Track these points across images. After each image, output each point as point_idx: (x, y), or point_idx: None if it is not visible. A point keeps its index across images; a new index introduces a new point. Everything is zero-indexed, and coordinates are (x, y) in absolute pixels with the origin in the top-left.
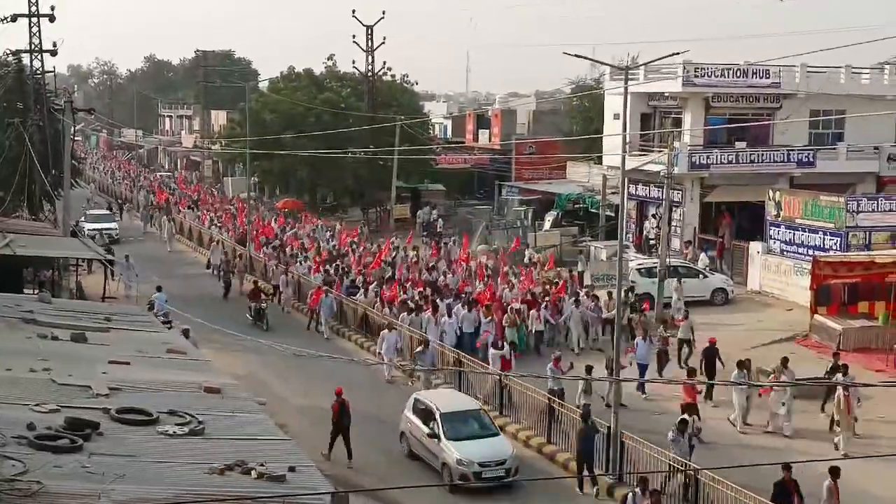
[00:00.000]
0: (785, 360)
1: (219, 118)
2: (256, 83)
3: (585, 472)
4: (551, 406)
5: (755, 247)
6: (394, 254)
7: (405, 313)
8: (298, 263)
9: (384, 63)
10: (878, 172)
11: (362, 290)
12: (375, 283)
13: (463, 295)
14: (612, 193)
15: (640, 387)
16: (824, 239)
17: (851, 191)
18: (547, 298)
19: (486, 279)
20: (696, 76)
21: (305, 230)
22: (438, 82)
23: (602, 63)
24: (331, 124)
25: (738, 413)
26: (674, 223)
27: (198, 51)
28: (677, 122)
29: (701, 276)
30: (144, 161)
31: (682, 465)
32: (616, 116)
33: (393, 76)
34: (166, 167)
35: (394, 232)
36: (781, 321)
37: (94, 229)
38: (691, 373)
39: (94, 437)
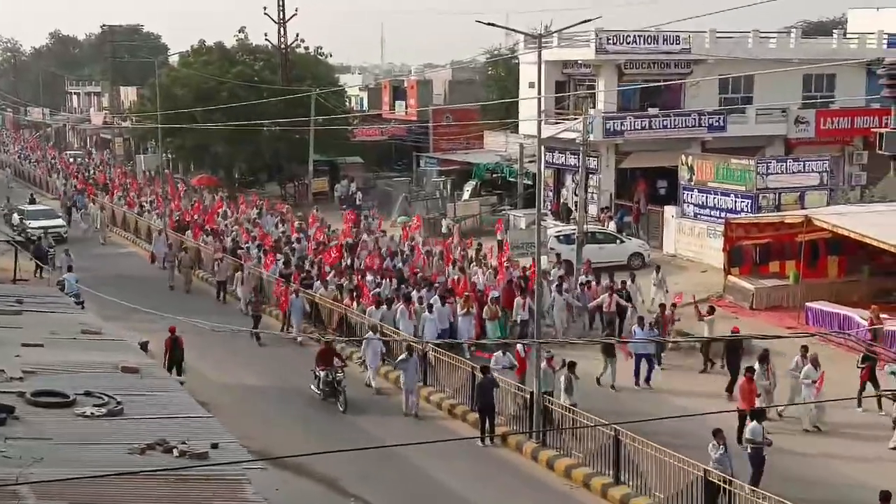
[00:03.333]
0: (805, 349)
1: (128, 94)
2: (166, 58)
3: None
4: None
5: (670, 211)
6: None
7: (373, 307)
8: (247, 255)
9: (297, 35)
10: (786, 135)
11: (319, 282)
12: (333, 273)
13: (436, 285)
14: (530, 162)
15: (639, 377)
16: (736, 201)
17: (761, 154)
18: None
19: (453, 264)
20: (608, 43)
21: (246, 214)
22: (353, 54)
23: (516, 31)
24: (244, 98)
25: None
26: (590, 190)
27: (104, 26)
28: (591, 90)
29: (618, 241)
30: (52, 140)
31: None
32: (531, 85)
33: (306, 48)
34: (76, 146)
35: (312, 206)
36: (696, 283)
37: (39, 228)
38: (749, 371)
39: (10, 422)
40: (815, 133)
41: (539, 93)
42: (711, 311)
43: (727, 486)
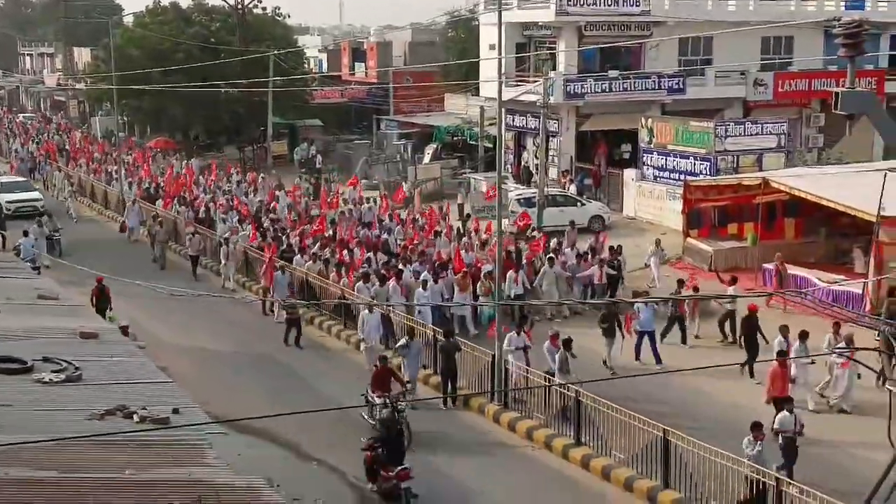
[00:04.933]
0: (837, 326)
1: (83, 56)
2: (121, 18)
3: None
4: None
5: (629, 174)
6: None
7: (361, 283)
8: (220, 227)
9: None
10: (744, 97)
11: (301, 254)
12: (318, 245)
13: (421, 256)
14: (490, 125)
15: (638, 355)
16: (695, 164)
17: (720, 116)
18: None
19: (436, 234)
20: (569, 5)
21: (221, 182)
22: (312, 15)
23: None
24: (201, 60)
25: (804, 390)
26: (551, 153)
27: None
28: (552, 52)
29: (578, 204)
30: (5, 102)
31: (566, 389)
32: (492, 47)
33: (264, 9)
34: (29, 109)
35: (271, 169)
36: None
37: (12, 202)
38: (781, 354)
39: None
40: (773, 95)
41: (499, 55)
42: (734, 280)
43: (769, 482)
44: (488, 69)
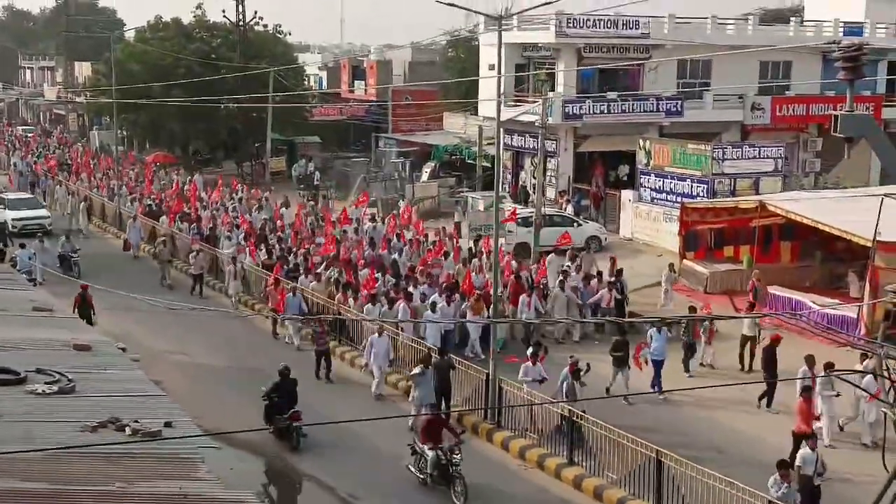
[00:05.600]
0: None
1: (83, 70)
2: (122, 33)
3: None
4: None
5: (627, 195)
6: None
7: (370, 305)
8: (225, 245)
9: (255, 12)
10: (742, 121)
11: (305, 274)
12: (324, 264)
13: (429, 278)
14: (489, 144)
15: (656, 386)
16: (692, 186)
17: (717, 139)
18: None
19: (446, 255)
20: (568, 27)
21: (213, 198)
22: (313, 33)
23: (476, 12)
24: (201, 76)
25: (826, 423)
26: (549, 173)
27: (59, 0)
28: (551, 73)
29: (575, 224)
30: (5, 115)
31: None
32: (491, 67)
33: (265, 26)
34: (29, 121)
35: (270, 185)
36: (652, 266)
37: (19, 220)
38: (806, 391)
39: None
40: (771, 119)
41: (499, 74)
42: (752, 307)
43: None
44: (487, 89)
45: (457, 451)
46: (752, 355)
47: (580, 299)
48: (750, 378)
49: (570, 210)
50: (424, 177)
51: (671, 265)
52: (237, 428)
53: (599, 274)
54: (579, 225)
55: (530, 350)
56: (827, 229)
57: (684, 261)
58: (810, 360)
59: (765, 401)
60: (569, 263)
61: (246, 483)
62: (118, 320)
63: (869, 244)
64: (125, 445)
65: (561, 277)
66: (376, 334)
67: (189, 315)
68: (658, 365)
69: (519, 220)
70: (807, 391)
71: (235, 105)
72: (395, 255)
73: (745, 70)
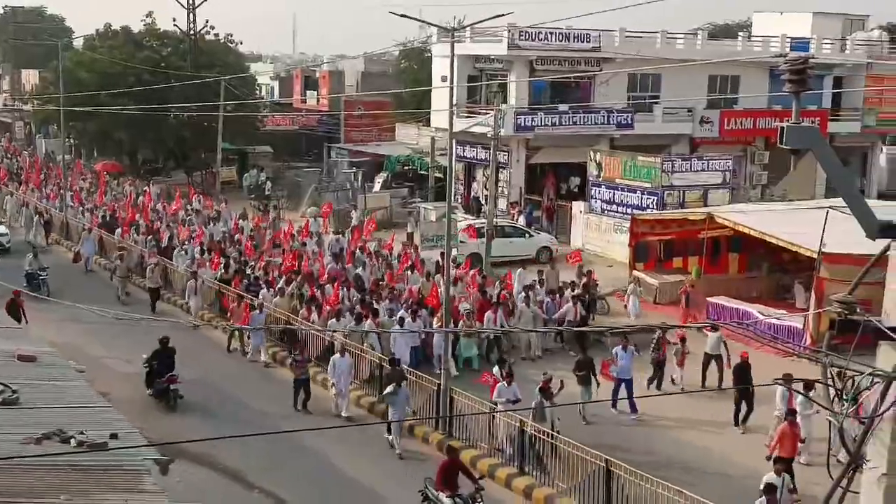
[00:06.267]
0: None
1: (31, 77)
2: (70, 41)
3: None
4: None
5: (578, 206)
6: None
7: (334, 321)
8: (179, 257)
9: (206, 22)
10: (691, 134)
11: (267, 288)
12: (284, 279)
13: (392, 293)
14: (441, 155)
15: (629, 407)
16: (642, 198)
17: (667, 152)
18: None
19: (412, 268)
20: (520, 39)
21: (174, 210)
22: (265, 43)
23: (428, 24)
24: (151, 84)
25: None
26: (500, 184)
27: (6, 7)
28: (503, 85)
29: (527, 235)
30: None
31: (517, 422)
32: (443, 79)
33: (216, 35)
34: None
35: (219, 195)
36: (603, 277)
37: None
38: (791, 414)
39: None
40: (719, 132)
41: (451, 85)
42: (714, 329)
43: None
44: (440, 100)
45: (479, 499)
46: (721, 376)
47: (546, 314)
48: (716, 397)
49: (521, 221)
50: (377, 187)
51: (637, 278)
52: (185, 438)
53: (561, 288)
54: (531, 236)
55: (496, 368)
56: (774, 241)
57: (634, 272)
58: (788, 379)
59: (728, 419)
60: (534, 279)
61: (193, 496)
62: (67, 332)
63: (815, 255)
64: (70, 457)
65: (524, 293)
66: (337, 354)
67: (141, 328)
68: (626, 385)
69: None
70: (791, 414)
71: (186, 114)
72: (360, 269)
73: (695, 84)
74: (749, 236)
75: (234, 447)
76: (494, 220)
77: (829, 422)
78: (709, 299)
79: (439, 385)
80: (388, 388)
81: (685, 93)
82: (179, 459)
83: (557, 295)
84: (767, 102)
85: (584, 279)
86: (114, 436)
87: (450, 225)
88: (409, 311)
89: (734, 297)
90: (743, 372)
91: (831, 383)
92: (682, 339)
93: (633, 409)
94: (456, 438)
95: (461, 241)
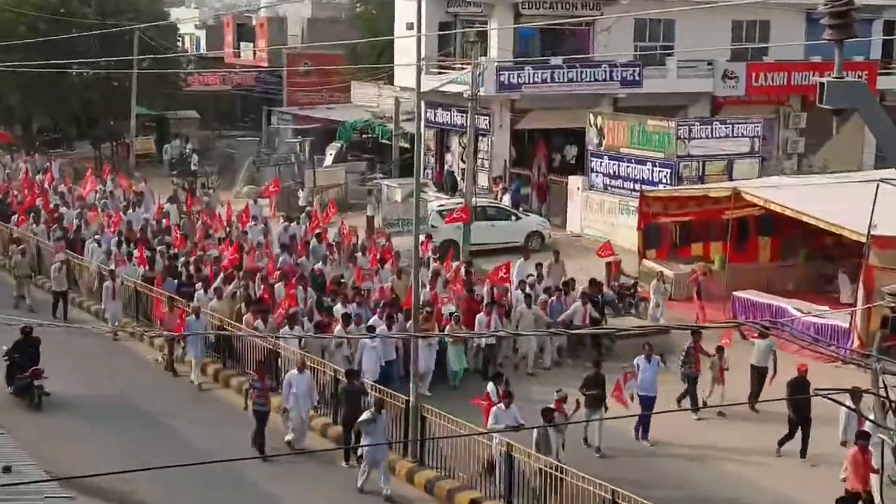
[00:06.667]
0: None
1: None
2: None
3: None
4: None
5: (575, 182)
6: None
7: (287, 328)
8: (90, 252)
9: None
10: (712, 92)
11: (204, 289)
12: (223, 276)
13: (358, 294)
14: (407, 121)
15: (641, 430)
16: (653, 171)
17: (683, 114)
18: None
19: (382, 262)
20: None
21: (87, 192)
22: None
23: None
24: (47, 35)
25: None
26: (480, 155)
27: None
28: (482, 34)
29: (513, 217)
30: None
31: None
32: (409, 26)
33: None
34: None
35: (134, 171)
36: (602, 269)
37: None
38: (863, 437)
39: None
40: (746, 90)
41: (419, 34)
42: (764, 335)
43: None
44: (405, 52)
45: None
46: (758, 391)
47: (550, 316)
48: (759, 419)
49: (506, 200)
50: (328, 160)
51: (661, 274)
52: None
53: (568, 283)
54: (518, 218)
55: (490, 385)
56: (813, 222)
57: (644, 261)
58: (856, 396)
59: (786, 447)
60: (532, 273)
61: None
62: None
63: (862, 239)
64: None
65: (520, 291)
66: (295, 370)
67: (53, 341)
68: (647, 402)
69: (444, 212)
70: (863, 438)
71: (91, 72)
72: (320, 264)
73: (716, 31)
74: (783, 216)
75: (155, 480)
76: (473, 199)
77: (882, 439)
78: (735, 293)
79: (407, 402)
80: (365, 415)
81: (704, 42)
82: (84, 496)
83: (563, 293)
84: (804, 53)
85: (611, 275)
86: (7, 469)
87: (418, 206)
88: (383, 315)
89: (765, 291)
90: (800, 389)
91: (883, 393)
92: (720, 349)
93: (645, 432)
94: (429, 467)
95: (433, 226)
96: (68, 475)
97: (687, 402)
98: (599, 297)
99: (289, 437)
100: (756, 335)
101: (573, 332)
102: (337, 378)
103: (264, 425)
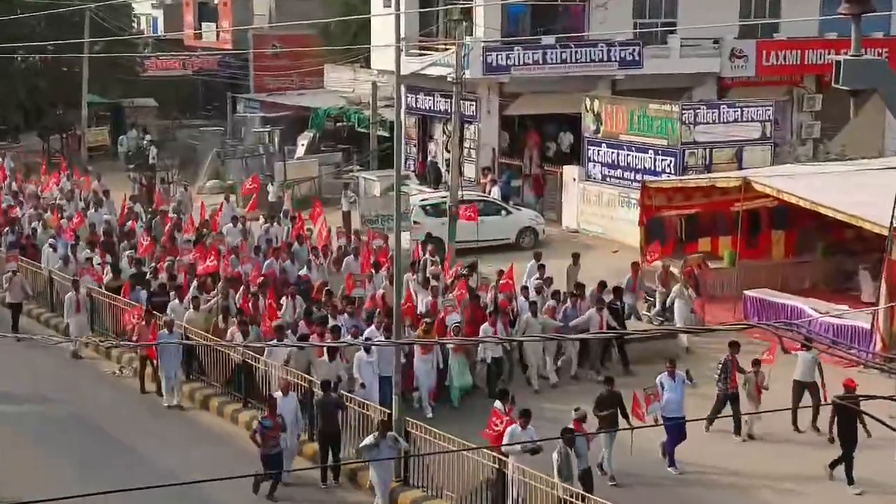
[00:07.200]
0: None
1: None
2: None
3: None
4: None
5: (570, 172)
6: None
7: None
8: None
9: None
10: (719, 73)
11: (178, 298)
12: (197, 284)
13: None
14: (386, 107)
15: (667, 458)
16: (655, 159)
17: (687, 97)
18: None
19: (376, 267)
20: None
21: (46, 189)
22: None
23: None
24: None
25: None
26: (467, 144)
27: None
28: (467, 11)
29: (504, 212)
30: None
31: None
32: (387, 3)
33: None
34: None
35: (86, 165)
36: (605, 266)
37: None
38: None
39: None
40: (756, 70)
41: (397, 11)
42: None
43: None
44: (382, 32)
45: None
46: (817, 411)
47: (564, 323)
48: (805, 445)
49: (496, 193)
50: (300, 151)
51: (685, 280)
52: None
53: (580, 286)
54: (509, 213)
55: (497, 404)
56: (831, 214)
57: (654, 261)
58: None
59: (839, 471)
60: (536, 277)
61: None
62: None
63: (884, 232)
64: None
65: (524, 297)
66: (279, 392)
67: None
68: (675, 427)
69: (427, 206)
70: None
71: (38, 56)
72: (304, 269)
73: (722, 6)
74: (798, 208)
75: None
76: (459, 192)
77: None
78: (746, 293)
79: (389, 415)
80: (367, 439)
81: (710, 17)
82: None
83: (578, 297)
84: (819, 29)
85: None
86: None
87: (399, 200)
88: (380, 326)
89: (779, 290)
90: (848, 409)
91: None
92: (756, 363)
93: (672, 459)
94: (414, 486)
95: (415, 222)
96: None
97: (723, 423)
98: (619, 303)
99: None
100: (799, 347)
101: (568, 337)
102: (311, 390)
103: (279, 473)
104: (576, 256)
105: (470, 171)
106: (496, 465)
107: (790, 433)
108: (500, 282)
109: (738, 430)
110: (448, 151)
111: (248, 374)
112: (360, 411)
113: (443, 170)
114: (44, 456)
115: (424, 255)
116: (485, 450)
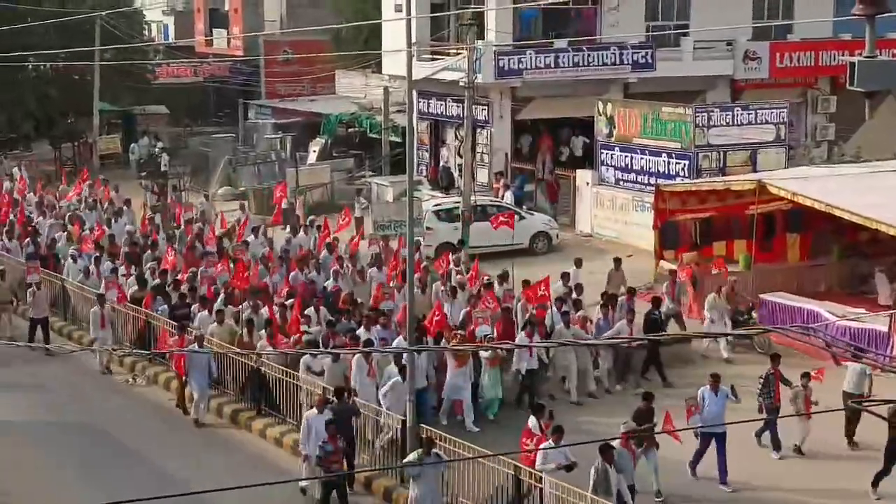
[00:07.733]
0: None
1: None
2: None
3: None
4: None
5: (583, 177)
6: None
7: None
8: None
9: None
10: (732, 75)
11: (208, 311)
12: (222, 298)
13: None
14: (398, 112)
15: (719, 473)
16: (669, 163)
17: (701, 100)
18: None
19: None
20: None
21: (70, 198)
22: None
23: None
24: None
25: None
26: (479, 149)
27: None
28: (479, 15)
29: (517, 217)
30: None
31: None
32: (398, 8)
33: None
34: None
35: (98, 173)
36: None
37: None
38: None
39: None
40: (770, 73)
41: (408, 16)
42: (857, 357)
43: None
44: (394, 37)
45: None
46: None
47: (595, 336)
48: (858, 464)
49: (509, 198)
50: (312, 157)
51: (719, 289)
52: None
53: (613, 296)
54: (521, 218)
55: (532, 420)
56: (846, 216)
57: (662, 262)
58: None
59: (883, 487)
60: (567, 285)
61: None
62: None
63: None
64: None
65: (555, 307)
66: (314, 409)
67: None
68: (717, 441)
69: (440, 212)
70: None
71: (49, 65)
72: (331, 280)
73: (735, 8)
74: (813, 211)
75: None
76: (472, 197)
77: None
78: (762, 296)
79: (403, 422)
80: (411, 456)
81: (723, 19)
82: None
83: (609, 307)
84: (833, 30)
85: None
86: None
87: (412, 206)
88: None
89: (795, 293)
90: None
91: None
92: (805, 376)
93: (724, 474)
94: None
95: (428, 228)
96: None
97: (767, 438)
98: (657, 313)
99: (304, 483)
100: (848, 359)
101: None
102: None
103: (331, 496)
104: (618, 261)
105: (482, 175)
106: (513, 472)
107: (839, 447)
108: (540, 292)
109: (777, 446)
110: (460, 156)
111: (284, 390)
112: (372, 417)
113: (455, 175)
114: (54, 466)
115: (450, 263)
116: (501, 457)
